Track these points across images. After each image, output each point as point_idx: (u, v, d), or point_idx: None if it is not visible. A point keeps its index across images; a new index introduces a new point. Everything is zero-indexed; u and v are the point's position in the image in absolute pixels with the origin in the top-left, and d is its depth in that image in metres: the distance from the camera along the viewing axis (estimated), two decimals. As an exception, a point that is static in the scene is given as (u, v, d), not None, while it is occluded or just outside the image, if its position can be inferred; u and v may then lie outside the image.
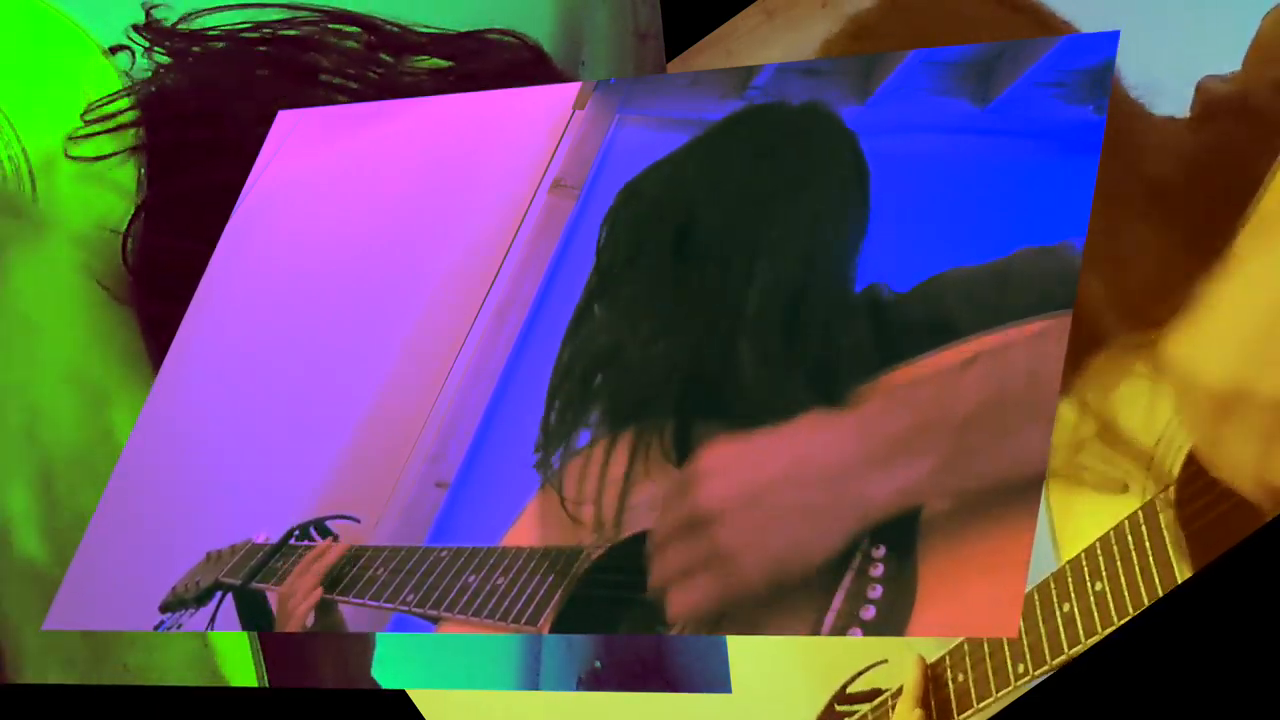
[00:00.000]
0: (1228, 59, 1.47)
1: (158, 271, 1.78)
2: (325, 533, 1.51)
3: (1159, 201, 1.44)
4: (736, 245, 1.50)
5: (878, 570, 1.32)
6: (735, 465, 1.39)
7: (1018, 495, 1.31)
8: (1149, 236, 1.43)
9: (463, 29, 1.81)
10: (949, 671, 1.40)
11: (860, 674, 1.45)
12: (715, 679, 1.51)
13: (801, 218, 1.50)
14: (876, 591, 1.31)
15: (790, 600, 1.33)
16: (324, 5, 1.86)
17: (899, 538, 1.32)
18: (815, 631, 1.32)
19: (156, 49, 1.87)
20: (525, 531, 1.45)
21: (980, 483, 1.32)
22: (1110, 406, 1.39)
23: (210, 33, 1.87)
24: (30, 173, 1.86)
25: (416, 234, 1.67)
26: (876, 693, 1.45)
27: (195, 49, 1.86)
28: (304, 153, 1.77)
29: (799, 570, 1.33)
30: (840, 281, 1.45)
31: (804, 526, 1.34)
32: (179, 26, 1.88)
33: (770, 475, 1.37)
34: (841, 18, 1.68)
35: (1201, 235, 1.40)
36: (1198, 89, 1.47)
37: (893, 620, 1.30)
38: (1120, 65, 1.49)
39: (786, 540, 1.34)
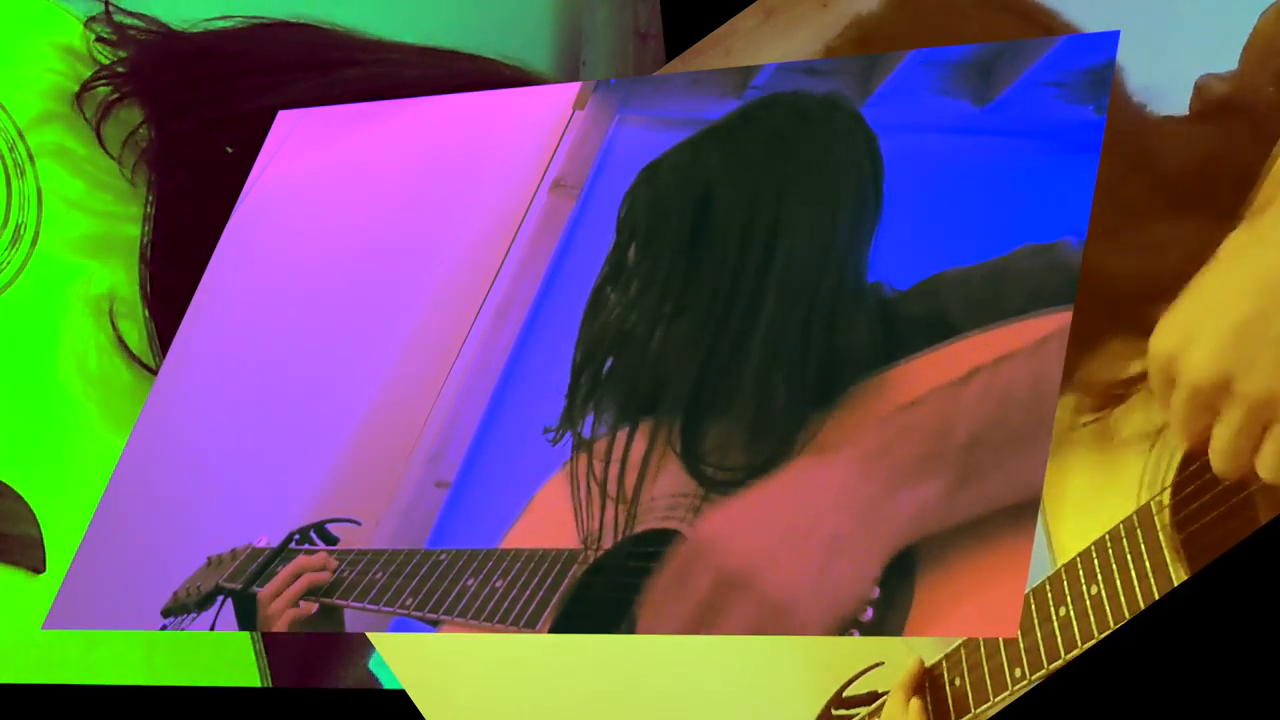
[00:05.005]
0: (1225, 57, 1.48)
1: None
2: (326, 536, 1.51)
3: (1161, 197, 1.44)
4: (753, 232, 1.49)
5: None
6: (745, 521, 1.38)
7: (1019, 503, 1.31)
8: (1153, 233, 1.43)
9: (462, 32, 1.82)
10: (946, 675, 1.40)
11: (857, 677, 1.45)
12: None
13: (818, 209, 1.49)
14: (874, 593, 1.31)
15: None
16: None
17: (898, 539, 1.33)
18: (813, 632, 1.32)
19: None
20: (527, 530, 1.45)
21: (985, 497, 1.31)
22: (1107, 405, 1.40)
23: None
24: None
25: (416, 234, 1.67)
26: (874, 696, 1.45)
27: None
28: (304, 153, 1.77)
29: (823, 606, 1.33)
30: (854, 279, 1.45)
31: (827, 573, 1.33)
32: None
33: (783, 528, 1.36)
34: (841, 17, 1.68)
35: (1203, 232, 1.40)
36: (1196, 87, 1.48)
37: (891, 620, 1.30)
38: (1122, 66, 1.49)
39: (812, 586, 1.33)
